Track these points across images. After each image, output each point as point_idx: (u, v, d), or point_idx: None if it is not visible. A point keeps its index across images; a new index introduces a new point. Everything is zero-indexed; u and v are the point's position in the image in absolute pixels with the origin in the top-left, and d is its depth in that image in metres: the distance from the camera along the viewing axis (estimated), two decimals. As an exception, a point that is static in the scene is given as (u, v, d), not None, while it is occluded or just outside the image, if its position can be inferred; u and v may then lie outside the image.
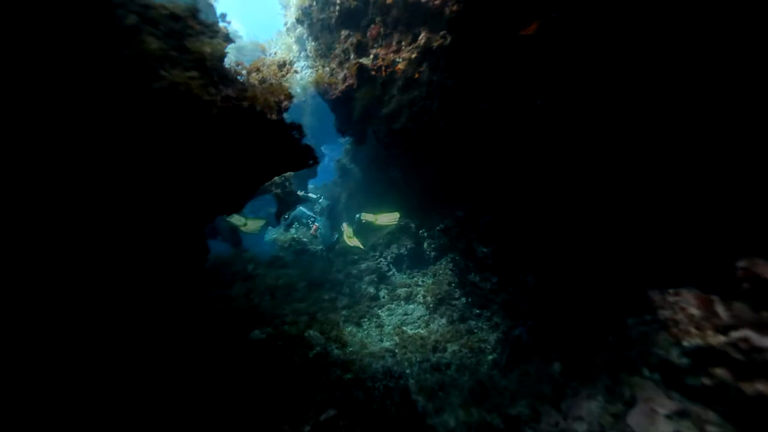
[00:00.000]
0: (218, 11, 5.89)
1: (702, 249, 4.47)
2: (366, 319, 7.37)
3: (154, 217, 2.72)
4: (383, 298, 8.27)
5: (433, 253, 8.84)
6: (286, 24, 8.48)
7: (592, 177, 5.28)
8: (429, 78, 5.28)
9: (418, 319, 7.64)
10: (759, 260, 3.46)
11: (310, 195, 10.11)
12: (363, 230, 9.41)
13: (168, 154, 2.69)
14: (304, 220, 9.73)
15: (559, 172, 5.44)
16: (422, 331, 7.22)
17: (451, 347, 6.66)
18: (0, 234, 2.18)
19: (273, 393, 4.03)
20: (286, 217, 9.26)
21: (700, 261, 4.39)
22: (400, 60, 5.73)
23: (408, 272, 9.00)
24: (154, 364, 3.41)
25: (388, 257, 9.26)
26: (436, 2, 4.98)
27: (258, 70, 3.25)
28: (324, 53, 7.65)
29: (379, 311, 7.83)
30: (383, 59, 6.13)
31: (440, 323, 7.35)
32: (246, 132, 2.93)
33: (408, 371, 6.21)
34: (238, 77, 3.13)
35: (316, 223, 9.44)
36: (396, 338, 6.92)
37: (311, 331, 5.13)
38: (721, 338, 3.31)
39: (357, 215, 9.60)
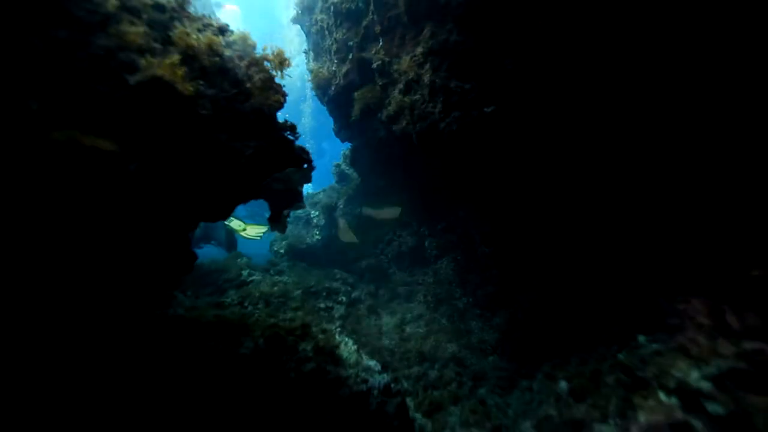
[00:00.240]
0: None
1: (712, 256, 4.26)
2: (363, 325, 7.17)
3: (131, 221, 2.48)
4: (382, 297, 8.09)
5: (434, 252, 8.63)
6: (297, 12, 8.28)
7: (599, 180, 5.07)
8: (431, 79, 5.07)
9: (419, 317, 7.50)
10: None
11: None
12: (364, 225, 9.21)
13: (147, 153, 2.45)
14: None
15: (566, 175, 5.23)
16: (422, 330, 7.09)
17: (451, 347, 6.55)
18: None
19: (263, 412, 3.80)
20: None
21: (710, 269, 4.18)
22: (402, 60, 5.53)
23: (409, 270, 8.80)
24: (126, 384, 3.14)
25: (389, 255, 9.07)
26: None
27: (256, 64, 3.03)
28: (325, 50, 7.47)
29: (379, 309, 7.74)
30: (384, 59, 5.93)
31: (441, 323, 7.23)
32: (235, 132, 2.70)
33: (406, 384, 5.99)
34: (234, 72, 2.91)
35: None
36: (396, 336, 6.84)
37: (305, 344, 4.87)
38: (734, 350, 3.10)
39: (359, 208, 9.45)
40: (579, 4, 3.94)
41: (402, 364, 6.32)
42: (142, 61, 2.22)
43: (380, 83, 6.19)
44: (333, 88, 7.37)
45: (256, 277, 8.44)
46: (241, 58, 2.88)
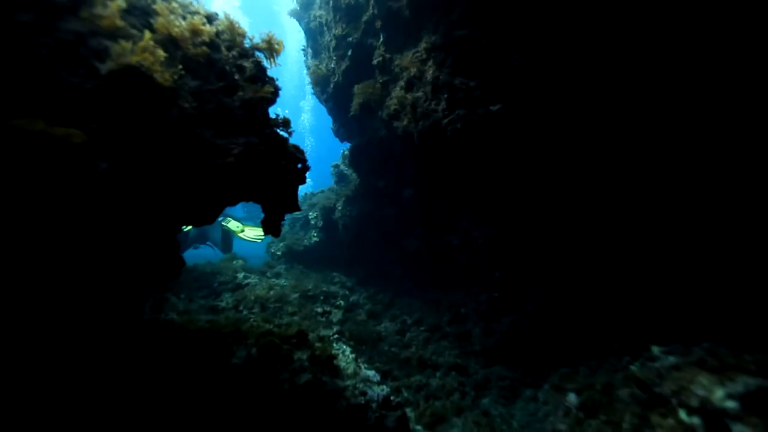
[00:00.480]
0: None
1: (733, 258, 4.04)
2: (362, 330, 6.94)
3: (104, 224, 2.24)
4: (382, 301, 7.95)
5: (436, 255, 8.41)
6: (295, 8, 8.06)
7: (610, 181, 4.85)
8: (435, 76, 4.83)
9: (419, 322, 7.32)
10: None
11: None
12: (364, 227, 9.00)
13: (121, 151, 2.21)
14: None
15: (575, 176, 5.00)
16: (422, 336, 6.93)
17: (453, 354, 6.38)
18: None
19: (254, 428, 3.57)
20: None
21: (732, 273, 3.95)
22: (403, 56, 5.29)
23: (410, 273, 8.59)
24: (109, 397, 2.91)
25: (390, 257, 8.84)
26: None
27: (245, 54, 2.79)
28: (324, 46, 7.25)
29: (379, 314, 7.58)
30: (385, 55, 5.70)
31: (443, 329, 7.05)
32: (222, 128, 2.46)
33: (407, 394, 5.76)
34: (221, 62, 2.67)
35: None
36: (395, 342, 6.68)
37: (300, 353, 4.63)
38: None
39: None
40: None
41: (402, 372, 6.08)
42: (115, 47, 1.98)
43: (381, 80, 5.96)
44: (332, 86, 7.14)
45: (252, 279, 8.21)
46: (229, 48, 2.64)
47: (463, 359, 6.34)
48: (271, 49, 2.61)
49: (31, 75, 1.84)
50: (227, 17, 2.61)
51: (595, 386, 4.21)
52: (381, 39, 5.89)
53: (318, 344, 5.21)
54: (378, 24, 5.84)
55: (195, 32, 2.40)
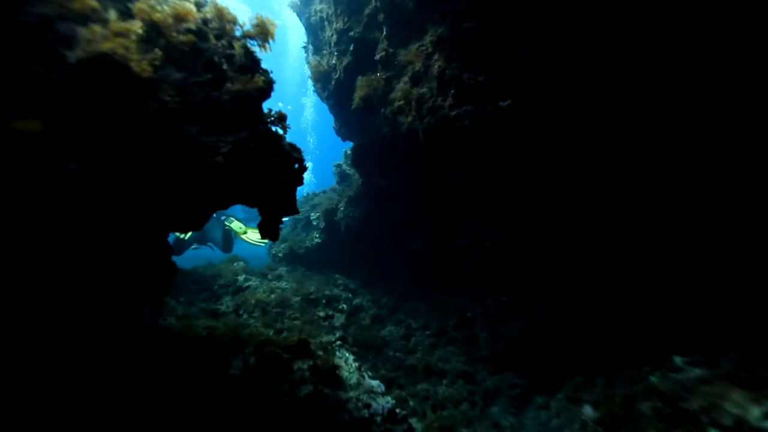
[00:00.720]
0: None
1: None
2: (366, 334, 6.72)
3: (76, 230, 2.02)
4: (386, 305, 7.76)
5: (442, 257, 8.18)
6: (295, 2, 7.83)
7: (623, 180, 4.59)
8: (441, 70, 4.58)
9: (425, 327, 7.08)
10: None
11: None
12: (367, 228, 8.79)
13: (92, 149, 1.99)
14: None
15: (587, 176, 4.74)
16: (428, 341, 6.71)
17: (460, 360, 6.16)
18: None
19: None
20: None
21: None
22: (408, 50, 5.05)
23: (415, 276, 8.35)
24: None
25: (394, 260, 8.60)
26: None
27: (235, 43, 2.56)
28: (325, 42, 7.01)
29: (383, 318, 7.38)
30: (388, 49, 5.45)
31: (449, 334, 6.84)
32: (209, 124, 2.24)
33: (413, 403, 5.52)
34: (209, 52, 2.44)
35: None
36: (401, 347, 6.49)
37: (301, 363, 4.40)
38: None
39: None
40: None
41: (408, 379, 5.85)
42: (84, 32, 1.75)
43: (384, 76, 5.71)
44: (333, 83, 6.91)
45: (253, 282, 8.00)
46: (218, 36, 2.41)
47: (470, 365, 6.10)
48: (265, 32, 2.38)
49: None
50: (215, 3, 2.38)
51: (615, 399, 3.95)
52: (384, 32, 5.64)
53: (320, 353, 4.98)
54: (381, 17, 5.60)
55: (179, 18, 2.17)
